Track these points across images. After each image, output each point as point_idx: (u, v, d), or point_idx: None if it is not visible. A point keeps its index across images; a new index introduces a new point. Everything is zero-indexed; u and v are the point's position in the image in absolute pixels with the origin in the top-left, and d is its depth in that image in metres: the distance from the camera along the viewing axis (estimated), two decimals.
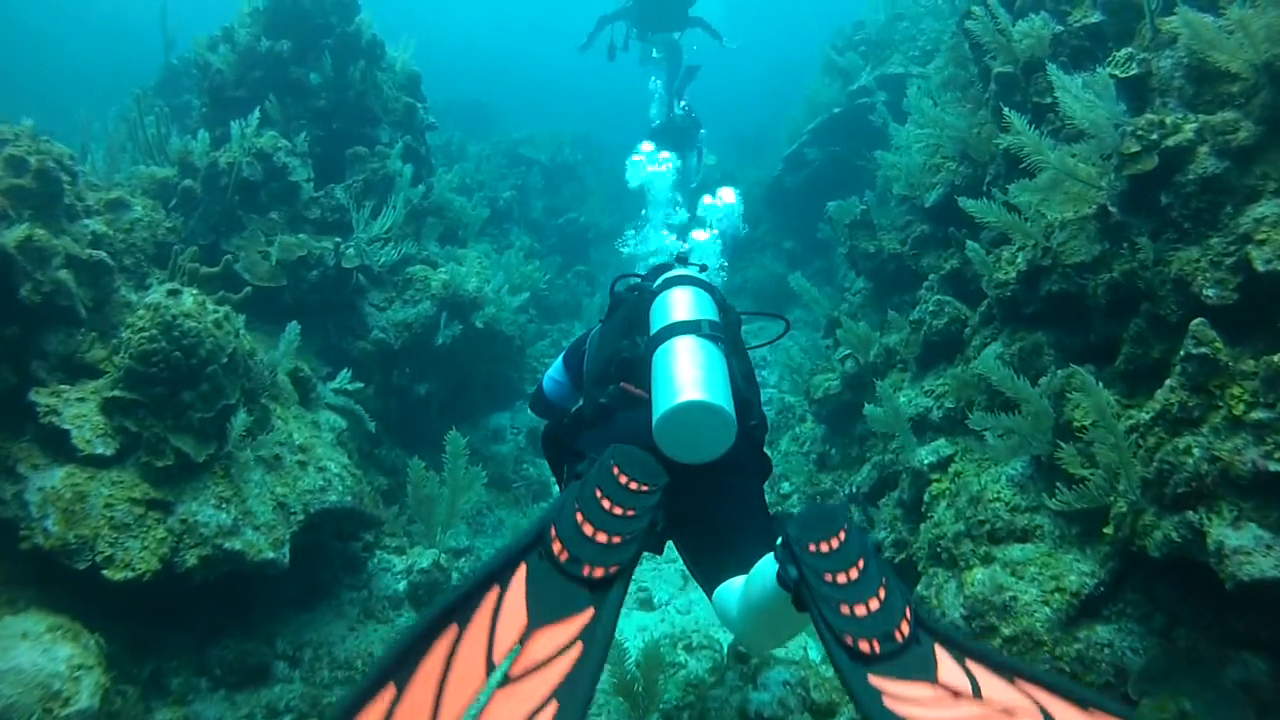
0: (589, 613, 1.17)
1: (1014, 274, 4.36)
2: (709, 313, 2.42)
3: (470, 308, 6.78)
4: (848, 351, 6.12)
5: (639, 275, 3.10)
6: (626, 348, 2.45)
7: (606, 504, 1.33)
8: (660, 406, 2.06)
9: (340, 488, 4.98)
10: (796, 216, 11.69)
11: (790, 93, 18.02)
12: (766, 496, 6.69)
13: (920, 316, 5.38)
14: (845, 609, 1.24)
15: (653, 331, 2.36)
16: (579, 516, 1.30)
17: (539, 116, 16.88)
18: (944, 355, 5.29)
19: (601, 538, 1.27)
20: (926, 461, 4.66)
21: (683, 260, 3.06)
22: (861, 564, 1.31)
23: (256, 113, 6.24)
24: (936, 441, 4.93)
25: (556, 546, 1.24)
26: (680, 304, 2.43)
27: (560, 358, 3.04)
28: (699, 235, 4.70)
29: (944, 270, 5.51)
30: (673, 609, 6.07)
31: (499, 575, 1.20)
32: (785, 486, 6.37)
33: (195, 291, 4.69)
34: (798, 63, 20.48)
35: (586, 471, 1.44)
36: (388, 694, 1.00)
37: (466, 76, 20.39)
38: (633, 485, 1.39)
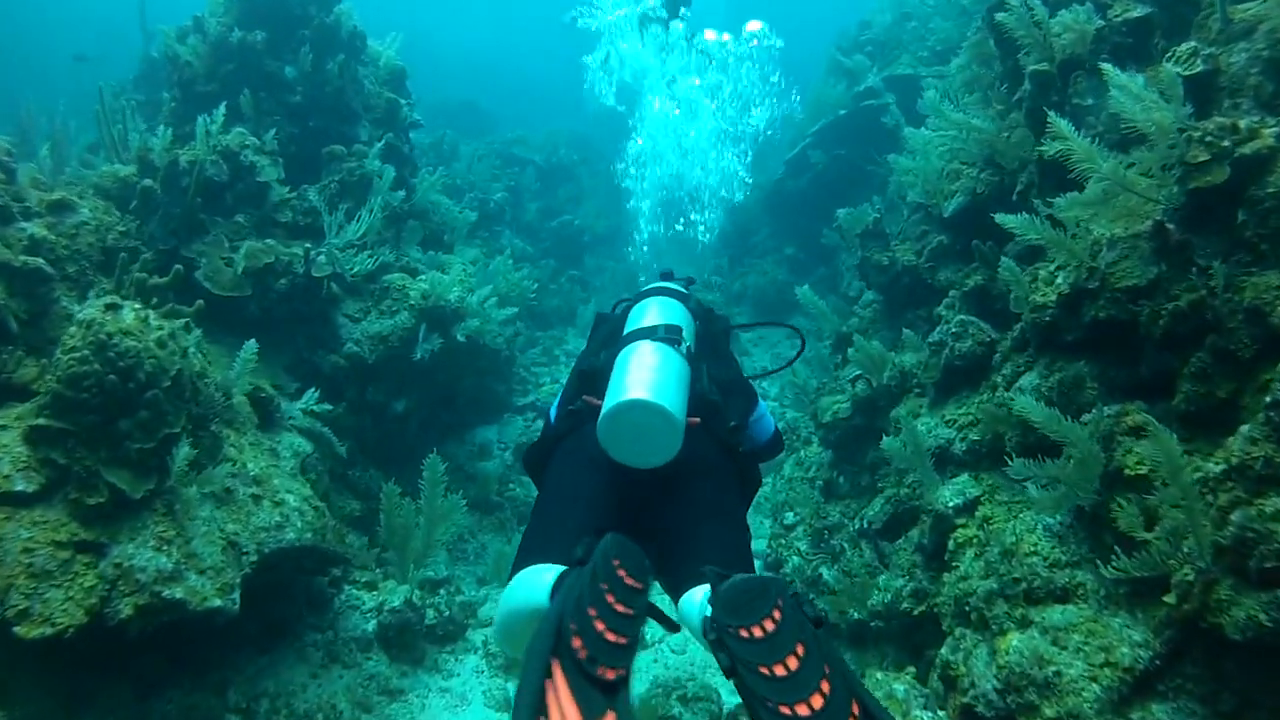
0: (611, 716, 1.16)
1: (1054, 296, 3.85)
2: (673, 318, 2.35)
3: (452, 319, 6.26)
4: (858, 372, 5.61)
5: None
6: (593, 362, 2.39)
7: (611, 599, 1.31)
8: (603, 410, 2.00)
9: (299, 524, 4.46)
10: (799, 221, 11.20)
11: (790, 94, 17.49)
12: (768, 525, 6.15)
13: (941, 338, 4.87)
14: (785, 709, 1.14)
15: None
16: (592, 612, 1.28)
17: (535, 117, 16.34)
18: (967, 381, 4.78)
19: (611, 637, 1.26)
20: (951, 504, 4.15)
21: (667, 276, 2.97)
22: (801, 650, 1.21)
23: (222, 108, 5.72)
24: (960, 478, 4.42)
25: (577, 643, 1.23)
26: (645, 314, 2.39)
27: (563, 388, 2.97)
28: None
29: (967, 286, 5.00)
30: (666, 648, 5.56)
31: (546, 674, 1.20)
32: (789, 516, 5.85)
33: (138, 305, 4.16)
34: (797, 64, 19.89)
35: (590, 560, 1.42)
36: None
37: (462, 77, 19.86)
38: (629, 581, 1.37)
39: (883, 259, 5.87)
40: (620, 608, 1.31)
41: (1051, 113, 3.37)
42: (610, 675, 1.21)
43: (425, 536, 5.37)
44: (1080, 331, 3.83)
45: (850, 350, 5.53)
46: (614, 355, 2.20)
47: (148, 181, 5.60)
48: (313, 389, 5.27)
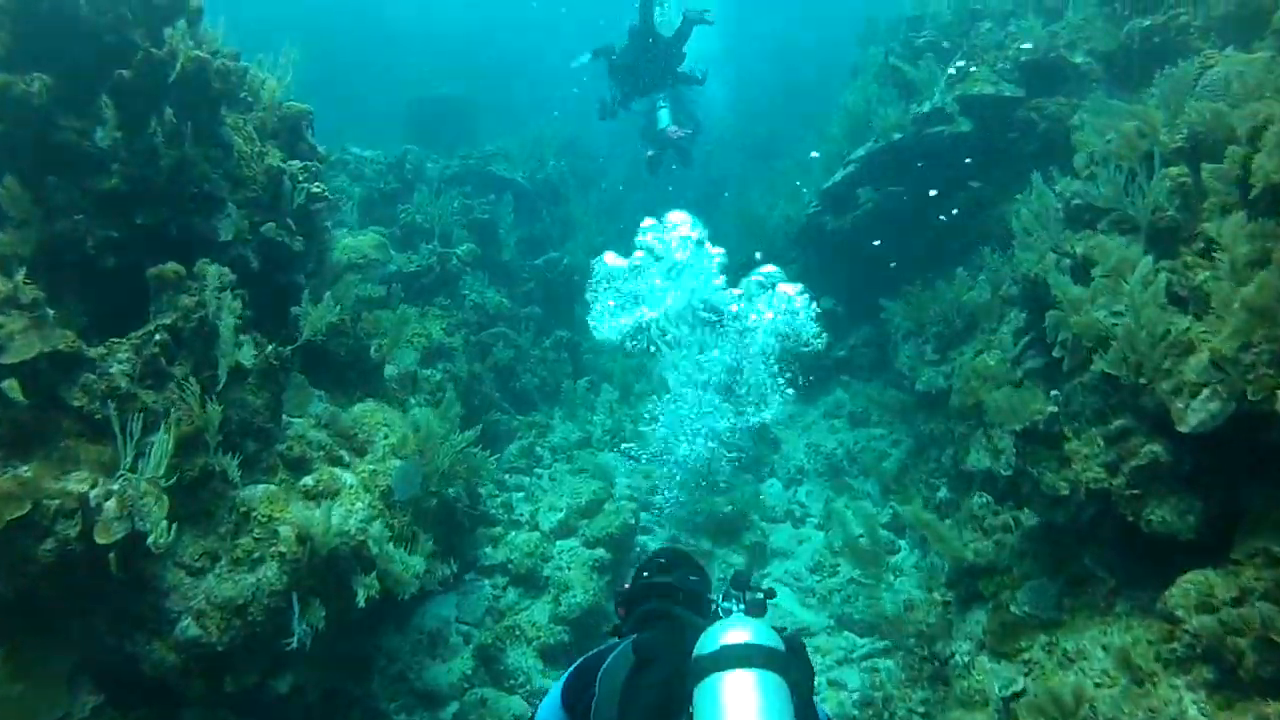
0: None
1: None
2: None
3: (349, 567, 3.67)
4: (1016, 690, 3.14)
5: (669, 580, 2.06)
6: None
7: None
8: None
9: None
10: (839, 267, 8.53)
11: (805, 93, 14.62)
12: None
13: None
14: None
15: None
16: None
17: (519, 110, 13.35)
18: None
19: None
20: None
21: (740, 586, 1.90)
22: None
23: None
24: None
25: None
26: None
27: (558, 690, 1.97)
28: None
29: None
30: None
31: None
32: None
33: None
34: (811, 57, 17.03)
35: None
36: None
37: (438, 66, 16.52)
38: None
39: (1059, 485, 3.31)
40: None
41: None
42: None
43: None
44: None
45: (1030, 699, 3.04)
46: None
47: None
48: None
